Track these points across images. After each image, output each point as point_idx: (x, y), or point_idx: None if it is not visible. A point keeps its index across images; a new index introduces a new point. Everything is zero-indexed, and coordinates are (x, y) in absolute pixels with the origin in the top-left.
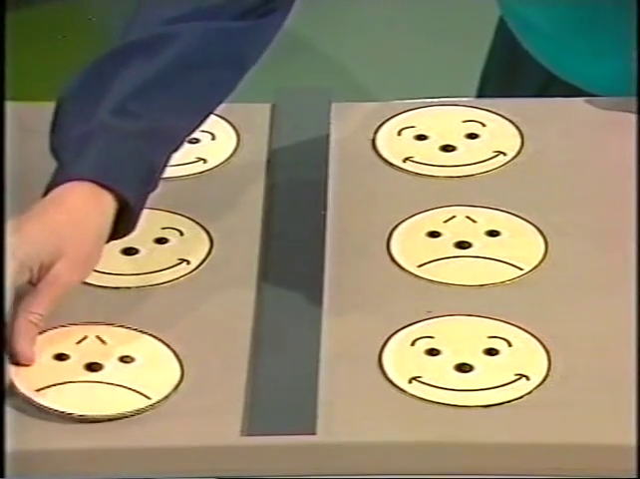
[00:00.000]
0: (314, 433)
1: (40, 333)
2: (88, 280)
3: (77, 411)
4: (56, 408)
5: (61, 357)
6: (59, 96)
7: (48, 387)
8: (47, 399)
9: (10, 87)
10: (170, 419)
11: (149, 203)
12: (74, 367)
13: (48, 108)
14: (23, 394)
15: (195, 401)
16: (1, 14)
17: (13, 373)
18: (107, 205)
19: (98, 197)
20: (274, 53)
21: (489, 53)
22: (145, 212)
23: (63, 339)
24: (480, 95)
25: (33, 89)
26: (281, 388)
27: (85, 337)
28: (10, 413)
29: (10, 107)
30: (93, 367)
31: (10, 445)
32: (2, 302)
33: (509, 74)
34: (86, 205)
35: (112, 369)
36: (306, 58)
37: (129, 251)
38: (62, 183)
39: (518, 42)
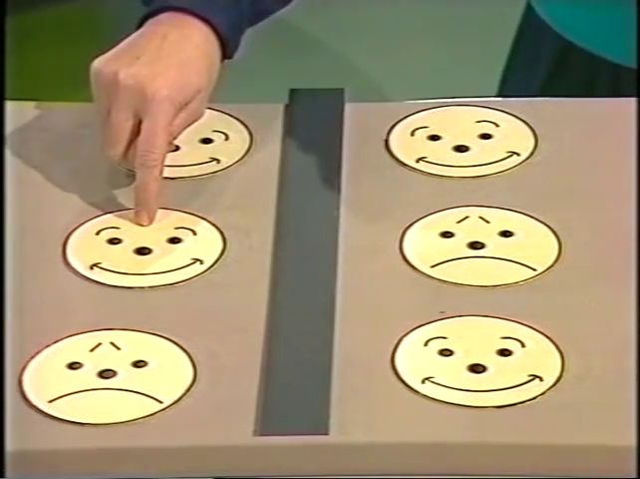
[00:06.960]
0: (327, 433)
1: (54, 342)
2: (101, 280)
3: (89, 421)
4: (69, 419)
5: (74, 366)
6: None
7: (60, 398)
8: (59, 410)
9: (17, 87)
10: (183, 419)
11: (161, 203)
12: (87, 376)
13: (48, 108)
14: (35, 406)
15: (208, 401)
16: (1, 14)
17: (25, 383)
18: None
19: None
20: (287, 54)
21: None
22: (157, 211)
23: (77, 347)
24: (506, 70)
25: (40, 89)
26: (294, 388)
27: (99, 344)
28: (10, 413)
29: (10, 107)
30: (106, 374)
31: (10, 445)
32: (2, 302)
33: (527, 46)
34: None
35: (124, 375)
36: (319, 58)
37: (142, 251)
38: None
39: (536, 12)
